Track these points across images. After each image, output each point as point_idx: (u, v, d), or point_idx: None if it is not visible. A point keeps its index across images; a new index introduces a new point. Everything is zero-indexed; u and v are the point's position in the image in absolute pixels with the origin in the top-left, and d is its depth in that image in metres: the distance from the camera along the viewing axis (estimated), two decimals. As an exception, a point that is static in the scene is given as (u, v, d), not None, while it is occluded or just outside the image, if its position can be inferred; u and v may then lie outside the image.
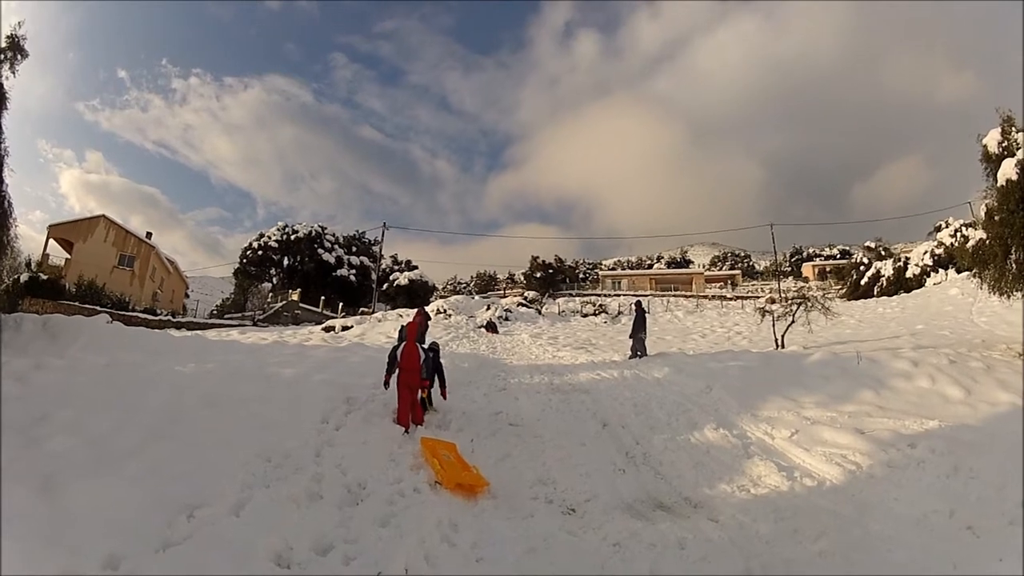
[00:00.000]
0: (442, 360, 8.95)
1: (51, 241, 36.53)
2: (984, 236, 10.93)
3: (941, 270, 34.39)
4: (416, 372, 7.20)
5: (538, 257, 55.10)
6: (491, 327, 25.89)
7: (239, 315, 39.24)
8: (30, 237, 40.31)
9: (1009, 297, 10.43)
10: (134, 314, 27.59)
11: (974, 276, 11.57)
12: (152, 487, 4.24)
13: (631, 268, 79.42)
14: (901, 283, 36.55)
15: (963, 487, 4.88)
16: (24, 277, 23.54)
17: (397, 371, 7.28)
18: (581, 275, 67.04)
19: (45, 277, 26.11)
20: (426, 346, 8.18)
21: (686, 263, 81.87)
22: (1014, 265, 9.99)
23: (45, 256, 34.94)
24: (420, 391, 7.56)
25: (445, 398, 8.58)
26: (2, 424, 4.80)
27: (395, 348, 7.51)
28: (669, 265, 78.24)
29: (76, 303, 24.50)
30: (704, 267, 77.75)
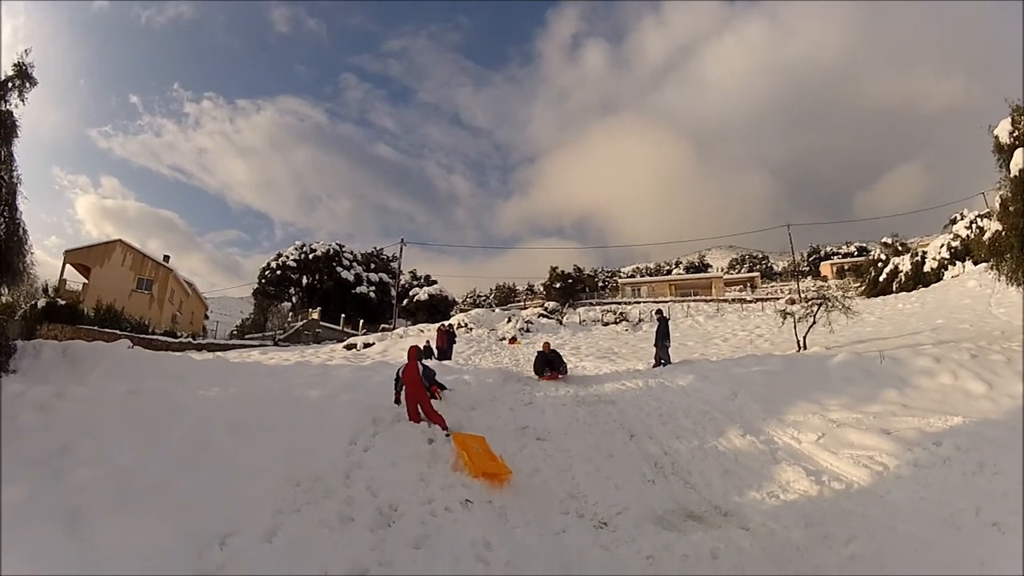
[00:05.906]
0: (465, 377, 10.10)
1: (68, 266, 37.11)
2: (999, 227, 10.83)
3: (958, 263, 34.06)
4: (417, 384, 8.04)
5: (557, 267, 54.21)
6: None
7: (260, 335, 39.06)
8: (46, 263, 40.50)
9: (1027, 287, 10.27)
10: (154, 337, 27.72)
11: (991, 268, 11.44)
12: (181, 517, 4.16)
13: (650, 275, 78.95)
14: (919, 278, 36.16)
15: (988, 483, 4.91)
16: (41, 303, 23.64)
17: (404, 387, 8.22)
18: (600, 284, 66.16)
19: (63, 302, 26.23)
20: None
21: (704, 267, 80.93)
22: (1031, 255, 9.86)
23: (62, 281, 35.46)
24: (432, 397, 8.41)
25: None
26: (24, 456, 4.73)
27: (398, 370, 8.44)
28: (687, 270, 77.17)
29: (95, 328, 24.42)
30: (723, 270, 76.86)
